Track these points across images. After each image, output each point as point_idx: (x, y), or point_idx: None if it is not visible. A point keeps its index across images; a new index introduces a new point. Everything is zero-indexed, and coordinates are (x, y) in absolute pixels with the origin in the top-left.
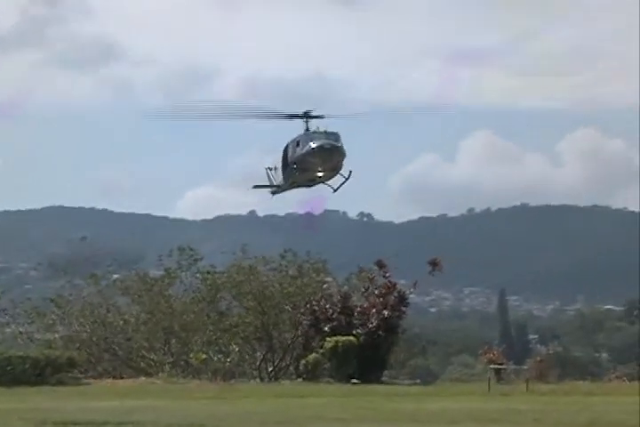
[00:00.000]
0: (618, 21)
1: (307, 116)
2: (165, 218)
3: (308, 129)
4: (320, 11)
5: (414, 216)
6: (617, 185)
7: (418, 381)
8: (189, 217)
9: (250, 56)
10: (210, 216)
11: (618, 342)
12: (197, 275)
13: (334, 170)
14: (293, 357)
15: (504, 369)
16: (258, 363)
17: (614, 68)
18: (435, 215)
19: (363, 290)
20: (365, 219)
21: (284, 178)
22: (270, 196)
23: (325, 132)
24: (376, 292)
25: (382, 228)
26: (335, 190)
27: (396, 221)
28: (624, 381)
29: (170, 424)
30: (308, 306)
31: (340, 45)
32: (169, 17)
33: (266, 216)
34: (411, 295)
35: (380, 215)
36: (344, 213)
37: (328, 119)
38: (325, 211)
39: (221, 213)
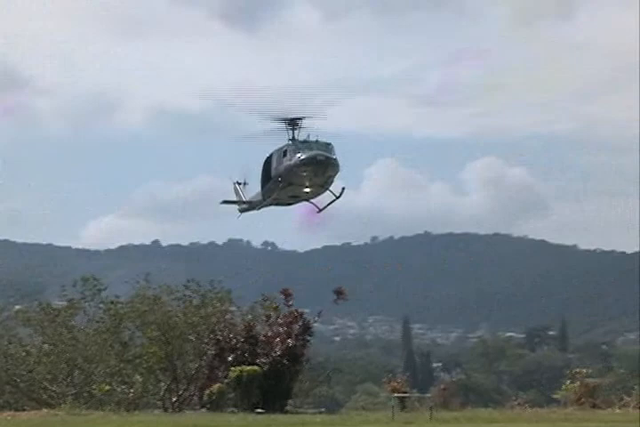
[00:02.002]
0: (516, 54)
1: (293, 122)
2: (69, 248)
3: (294, 138)
4: (222, 39)
5: (318, 245)
6: (518, 213)
7: (322, 409)
8: (93, 247)
9: (154, 85)
10: (113, 246)
11: (519, 368)
12: (101, 305)
13: (324, 186)
14: (197, 387)
15: (408, 397)
16: (162, 393)
17: (514, 97)
18: (339, 244)
19: (265, 319)
20: (269, 248)
21: (263, 193)
22: (237, 214)
23: (317, 141)
24: (280, 321)
25: (286, 257)
26: (320, 210)
27: (301, 249)
28: (525, 408)
29: None
30: (211, 336)
31: (242, 74)
32: (70, 46)
33: (169, 246)
34: (315, 324)
35: (284, 244)
36: (248, 242)
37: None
38: (229, 240)
39: (125, 242)
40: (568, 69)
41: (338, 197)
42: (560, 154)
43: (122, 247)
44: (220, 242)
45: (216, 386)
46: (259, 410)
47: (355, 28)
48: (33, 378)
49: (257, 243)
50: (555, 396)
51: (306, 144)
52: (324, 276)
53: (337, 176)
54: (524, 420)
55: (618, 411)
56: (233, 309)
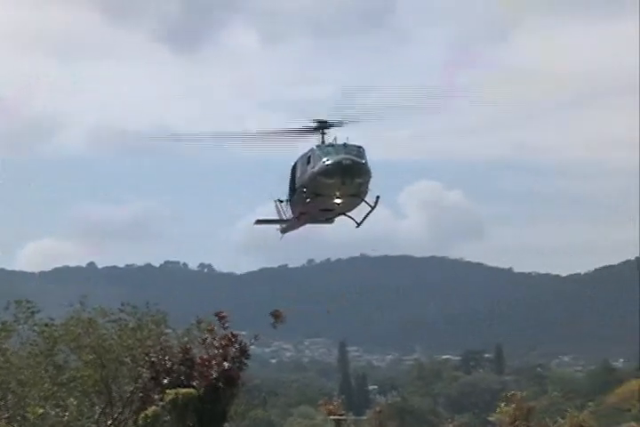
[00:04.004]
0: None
1: (322, 126)
2: (3, 270)
3: (323, 142)
4: (162, 63)
5: (255, 267)
6: (455, 236)
7: None
8: (28, 269)
9: (94, 108)
10: (48, 268)
11: (455, 391)
12: (35, 327)
13: (357, 195)
14: (133, 410)
15: (344, 420)
16: (97, 417)
17: (453, 121)
18: (275, 266)
19: (201, 341)
20: (206, 270)
21: (292, 208)
22: (279, 236)
23: (345, 144)
24: (216, 343)
25: (223, 279)
26: (359, 225)
27: (238, 272)
28: None
29: None
30: (147, 358)
31: (181, 96)
32: (7, 68)
33: (105, 268)
34: (252, 347)
35: (221, 266)
36: (184, 264)
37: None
38: (165, 262)
39: (60, 264)
40: (502, 94)
41: (373, 208)
42: (496, 178)
43: (57, 269)
44: (156, 264)
45: (151, 409)
46: None
47: (290, 50)
48: None
49: (193, 265)
50: (490, 418)
51: (332, 148)
52: (262, 298)
53: (370, 183)
54: None
55: None
56: (169, 331)
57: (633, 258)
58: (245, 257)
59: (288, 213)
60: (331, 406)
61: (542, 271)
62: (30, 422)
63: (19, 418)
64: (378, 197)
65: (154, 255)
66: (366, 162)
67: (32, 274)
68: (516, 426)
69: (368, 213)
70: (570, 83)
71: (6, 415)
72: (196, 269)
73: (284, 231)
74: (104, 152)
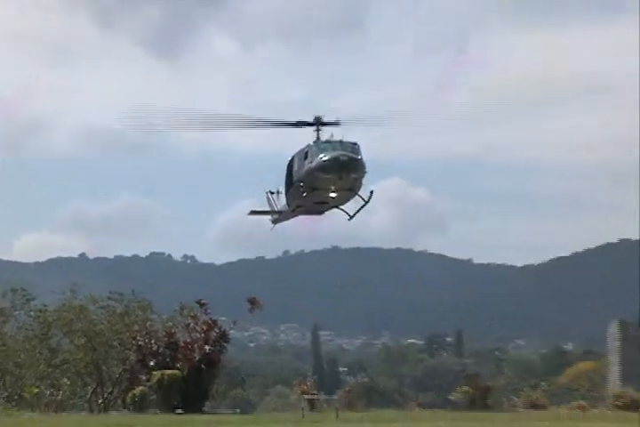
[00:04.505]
0: (417, 80)
1: (318, 122)
2: (0, 260)
3: (319, 139)
4: (145, 66)
5: (234, 258)
6: (420, 230)
7: (237, 410)
8: (23, 260)
9: (81, 109)
10: (43, 259)
11: (419, 372)
12: (30, 313)
13: (351, 190)
14: (121, 389)
15: (316, 399)
16: (88, 396)
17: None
18: (253, 257)
19: (184, 326)
20: (189, 261)
21: (287, 201)
22: (271, 226)
23: (341, 141)
24: (198, 328)
25: (204, 269)
26: (351, 217)
27: (217, 262)
28: (423, 408)
29: None
30: (134, 342)
31: (164, 99)
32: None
33: (95, 259)
34: (231, 331)
35: (203, 257)
36: (169, 255)
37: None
38: (151, 253)
39: (54, 255)
40: (465, 97)
41: (367, 202)
42: (458, 176)
43: (51, 260)
44: (142, 255)
45: (139, 389)
46: (178, 411)
47: (267, 56)
48: None
49: (177, 256)
50: (451, 397)
51: (328, 144)
52: (240, 287)
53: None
54: (423, 420)
55: (507, 412)
56: (154, 317)
57: (581, 250)
58: (225, 248)
59: (280, 205)
60: (304, 387)
61: (499, 262)
62: (27, 400)
63: (16, 397)
64: (372, 192)
65: (141, 247)
66: (361, 158)
67: (27, 264)
68: (475, 404)
69: (361, 207)
70: (533, 86)
71: (5, 395)
72: (179, 259)
73: (275, 222)
74: (91, 151)
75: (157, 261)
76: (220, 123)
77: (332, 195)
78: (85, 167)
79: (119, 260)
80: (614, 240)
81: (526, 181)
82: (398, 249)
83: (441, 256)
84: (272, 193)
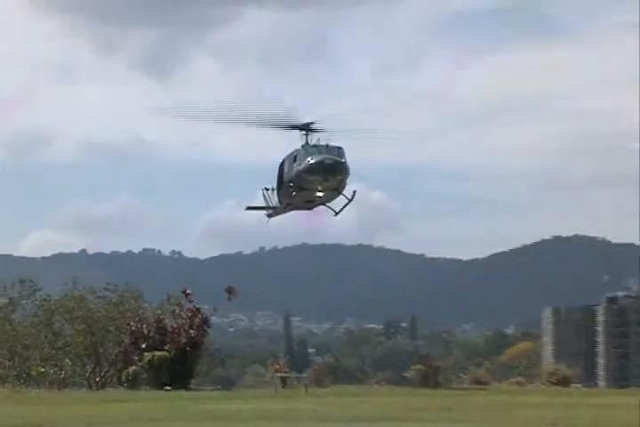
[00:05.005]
0: (374, 99)
1: (307, 128)
2: (10, 256)
3: (307, 143)
4: (138, 85)
5: (215, 253)
6: (378, 228)
7: (219, 387)
8: (31, 255)
9: (82, 123)
10: (48, 254)
11: (379, 353)
12: (36, 302)
13: (336, 190)
14: (117, 369)
15: (288, 377)
16: (87, 375)
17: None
18: (233, 252)
19: (171, 313)
20: (176, 256)
21: (279, 199)
22: (266, 220)
23: (327, 146)
24: (183, 315)
25: (190, 263)
26: (337, 213)
27: (201, 257)
28: (382, 384)
29: (13, 425)
30: (128, 327)
31: (155, 115)
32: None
33: (94, 254)
34: (212, 317)
35: (189, 253)
36: (159, 250)
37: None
38: (143, 249)
39: (57, 251)
40: (416, 114)
41: (350, 200)
42: (411, 181)
43: (55, 255)
44: (136, 251)
45: (132, 368)
46: (167, 388)
47: (246, 76)
48: None
49: (166, 251)
50: (406, 375)
51: (315, 148)
52: (221, 278)
53: (349, 179)
54: (381, 394)
55: (455, 387)
56: (145, 305)
57: (520, 246)
58: (208, 244)
59: (274, 201)
60: (277, 366)
61: (448, 257)
62: (34, 378)
63: (24, 375)
64: (354, 192)
65: (134, 243)
66: (345, 161)
67: (35, 259)
68: (427, 381)
69: (345, 205)
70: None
71: (14, 373)
72: (168, 254)
73: (270, 216)
74: (92, 160)
75: (149, 256)
76: (218, 118)
77: (319, 194)
78: (85, 173)
79: (115, 255)
80: (548, 237)
81: (470, 186)
82: (360, 245)
83: (397, 252)
84: (267, 189)
